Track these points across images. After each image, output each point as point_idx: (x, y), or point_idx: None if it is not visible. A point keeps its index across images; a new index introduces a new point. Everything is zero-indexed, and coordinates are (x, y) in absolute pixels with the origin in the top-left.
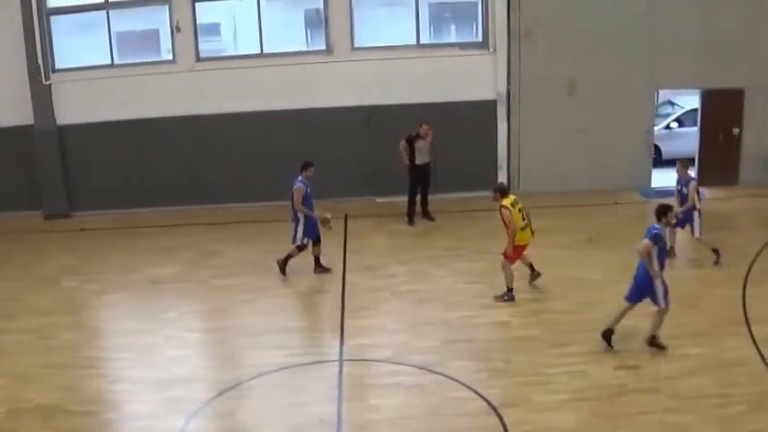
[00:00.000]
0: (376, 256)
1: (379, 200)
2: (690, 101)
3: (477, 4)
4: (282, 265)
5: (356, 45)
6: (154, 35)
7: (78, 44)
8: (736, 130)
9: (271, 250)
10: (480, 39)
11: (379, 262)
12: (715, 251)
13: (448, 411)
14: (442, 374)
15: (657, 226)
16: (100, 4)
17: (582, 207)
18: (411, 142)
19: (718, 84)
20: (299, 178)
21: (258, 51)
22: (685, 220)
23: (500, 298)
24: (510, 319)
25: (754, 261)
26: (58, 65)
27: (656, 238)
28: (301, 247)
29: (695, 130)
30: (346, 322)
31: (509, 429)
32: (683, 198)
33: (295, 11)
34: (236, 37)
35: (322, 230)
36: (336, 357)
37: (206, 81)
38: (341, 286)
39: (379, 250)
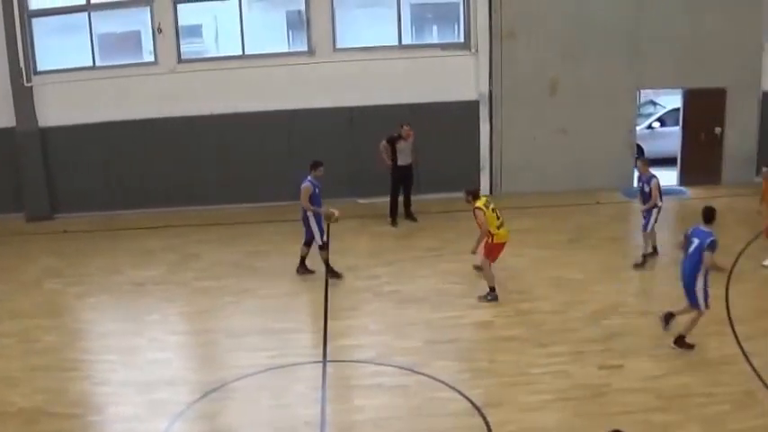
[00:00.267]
0: (359, 258)
1: (361, 201)
2: (672, 100)
3: (458, 4)
4: (331, 272)
5: (338, 46)
6: (135, 37)
7: (60, 46)
8: (718, 130)
9: (254, 252)
10: (462, 39)
11: (361, 263)
12: (651, 253)
13: (432, 412)
14: (425, 375)
15: (707, 230)
16: (81, 5)
17: (564, 207)
18: (392, 143)
19: (700, 83)
20: (308, 178)
21: (240, 53)
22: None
23: (483, 298)
24: (493, 319)
25: (736, 260)
26: (39, 67)
27: (714, 246)
28: (325, 246)
29: (677, 129)
30: (330, 323)
31: (493, 429)
32: (644, 196)
33: (276, 12)
34: (218, 38)
35: (325, 225)
36: (320, 358)
37: (188, 82)
38: (324, 287)
39: (361, 251)
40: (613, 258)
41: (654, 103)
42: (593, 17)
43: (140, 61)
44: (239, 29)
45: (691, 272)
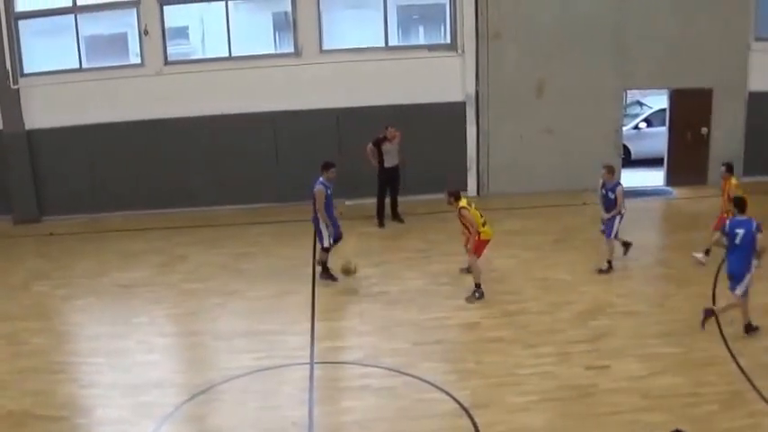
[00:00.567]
0: (346, 259)
1: (348, 202)
2: (658, 101)
3: (445, 5)
4: (326, 274)
5: (324, 47)
6: (122, 39)
7: (47, 48)
8: (704, 130)
9: (241, 253)
10: (449, 40)
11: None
12: (609, 262)
13: (419, 413)
14: (412, 376)
15: (746, 217)
16: (68, 7)
17: (551, 208)
18: (378, 145)
19: (687, 84)
20: (320, 180)
21: (227, 54)
22: (603, 221)
23: (471, 297)
24: (480, 320)
25: (723, 260)
26: (26, 69)
27: (761, 227)
28: (329, 249)
29: (664, 130)
30: (317, 325)
31: (480, 430)
32: (607, 203)
33: (263, 14)
34: (205, 40)
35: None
36: (307, 360)
37: (175, 84)
38: (311, 289)
39: (349, 252)
40: (602, 259)
41: (640, 104)
42: (580, 18)
43: (127, 63)
44: (226, 30)
45: (742, 260)
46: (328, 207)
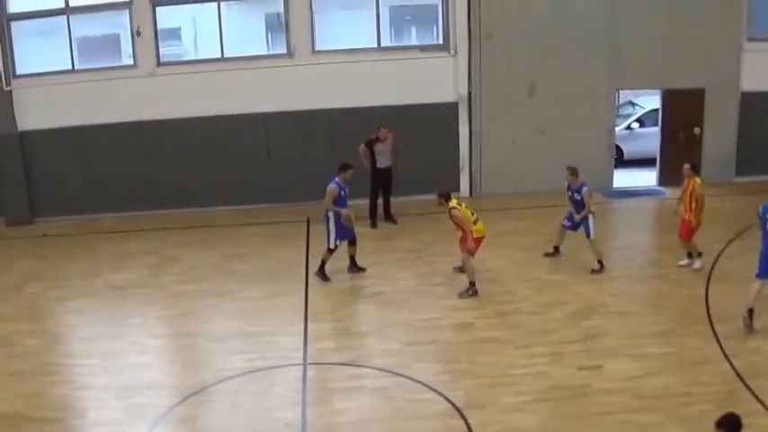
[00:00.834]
0: (338, 259)
1: None
2: (650, 101)
3: (437, 6)
4: (321, 273)
5: (317, 48)
6: (114, 40)
7: (39, 49)
8: (697, 130)
9: (234, 254)
10: (441, 41)
11: (341, 265)
12: (553, 252)
13: (412, 414)
14: (406, 377)
15: None
16: (60, 9)
17: (544, 208)
18: (370, 146)
19: (679, 84)
20: (336, 179)
21: (219, 56)
22: (578, 225)
23: (465, 293)
24: (474, 320)
25: (716, 260)
26: (18, 70)
27: None
28: (333, 250)
29: (656, 130)
30: (310, 326)
31: (474, 431)
32: (576, 205)
33: (255, 15)
34: (197, 41)
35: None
36: (300, 361)
37: (167, 85)
38: (304, 289)
39: (340, 253)
40: (593, 259)
41: (633, 104)
42: (572, 18)
43: (119, 64)
44: (218, 32)
45: None
46: (341, 207)
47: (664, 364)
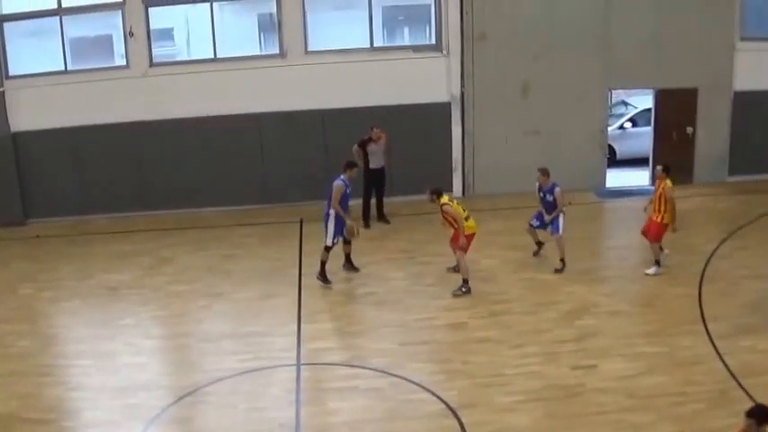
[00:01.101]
0: (331, 260)
1: None
2: (643, 101)
3: (430, 6)
4: (322, 276)
5: (310, 49)
6: (107, 41)
7: (32, 50)
8: (689, 130)
9: (227, 255)
10: (434, 41)
11: (334, 265)
12: (537, 250)
13: (406, 414)
14: (399, 377)
15: None
16: (53, 9)
17: (536, 208)
18: (363, 146)
19: (672, 83)
20: (341, 177)
21: (212, 56)
22: (547, 224)
23: (458, 291)
24: (467, 320)
25: (709, 259)
26: (11, 71)
27: None
28: (330, 248)
29: (649, 129)
30: (303, 326)
31: (467, 431)
32: (546, 205)
33: (248, 15)
34: (190, 42)
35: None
36: (294, 361)
37: (160, 86)
38: (297, 290)
39: (334, 254)
40: (586, 259)
41: (625, 104)
42: (565, 18)
43: (112, 65)
44: (211, 32)
45: None
46: (345, 205)
47: (657, 363)
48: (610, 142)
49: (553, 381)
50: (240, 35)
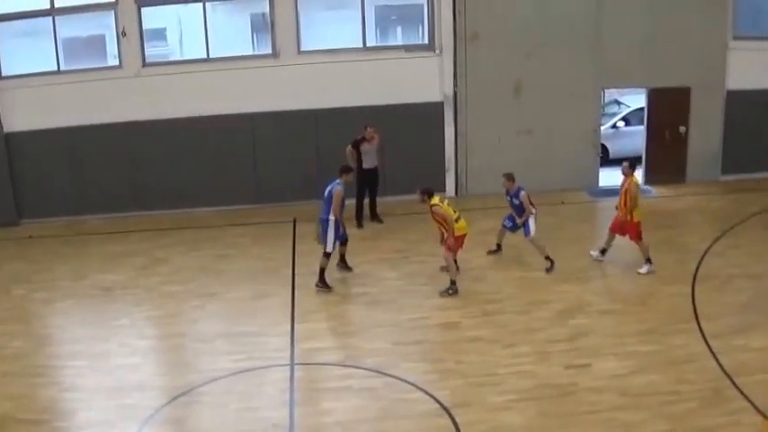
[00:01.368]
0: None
1: None
2: (636, 100)
3: (422, 6)
4: (322, 282)
5: (302, 48)
6: (100, 41)
7: (24, 50)
8: (682, 129)
9: (220, 255)
10: (426, 41)
11: (328, 265)
12: (496, 250)
13: (400, 413)
14: (393, 377)
15: None
16: (45, 10)
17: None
18: (357, 146)
19: (665, 83)
20: (337, 181)
21: (205, 56)
22: (519, 226)
23: (445, 292)
24: (460, 320)
25: (702, 258)
26: (4, 71)
27: None
28: (330, 255)
29: (642, 128)
30: (297, 326)
31: (461, 430)
32: (516, 209)
33: (241, 15)
34: (183, 42)
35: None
36: (287, 361)
37: (153, 86)
38: (291, 290)
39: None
40: (578, 258)
41: (618, 103)
42: (557, 18)
43: (105, 65)
44: (204, 32)
45: None
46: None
47: (649, 362)
48: (603, 141)
49: (546, 380)
50: (233, 35)
